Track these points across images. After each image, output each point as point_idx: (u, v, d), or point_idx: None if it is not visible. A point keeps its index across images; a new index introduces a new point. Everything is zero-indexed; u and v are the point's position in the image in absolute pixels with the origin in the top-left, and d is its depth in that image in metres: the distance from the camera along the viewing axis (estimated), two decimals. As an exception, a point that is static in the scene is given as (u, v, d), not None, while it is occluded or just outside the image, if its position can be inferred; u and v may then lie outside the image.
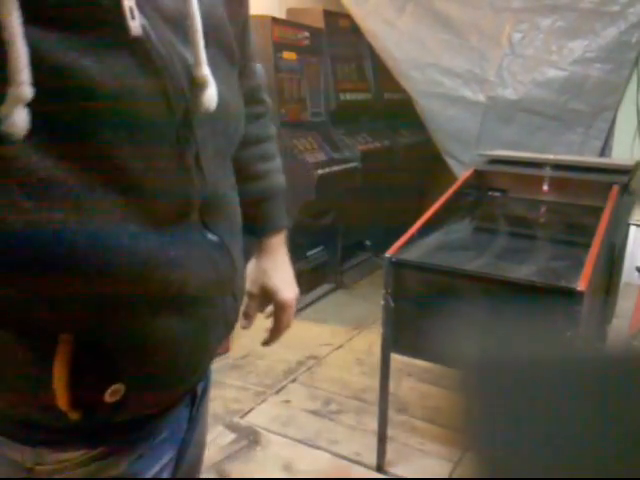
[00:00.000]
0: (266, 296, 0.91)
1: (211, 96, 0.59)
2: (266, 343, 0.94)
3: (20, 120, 0.47)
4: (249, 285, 0.87)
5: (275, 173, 0.90)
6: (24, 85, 0.46)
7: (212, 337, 0.71)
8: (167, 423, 0.73)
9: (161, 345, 0.62)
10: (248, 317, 0.92)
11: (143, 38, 0.52)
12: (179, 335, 0.64)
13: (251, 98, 0.85)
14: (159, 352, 0.62)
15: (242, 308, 0.85)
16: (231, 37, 0.67)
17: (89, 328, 0.58)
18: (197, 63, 0.58)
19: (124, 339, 0.60)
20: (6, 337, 0.58)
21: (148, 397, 0.65)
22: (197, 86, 0.58)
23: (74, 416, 0.61)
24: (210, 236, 0.66)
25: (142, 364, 0.62)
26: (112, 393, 0.60)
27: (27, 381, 0.60)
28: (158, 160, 0.57)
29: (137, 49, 0.52)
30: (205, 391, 0.83)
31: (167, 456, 0.74)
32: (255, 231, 0.87)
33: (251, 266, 0.89)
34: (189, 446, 0.79)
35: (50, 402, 0.59)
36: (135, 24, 0.51)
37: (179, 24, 0.56)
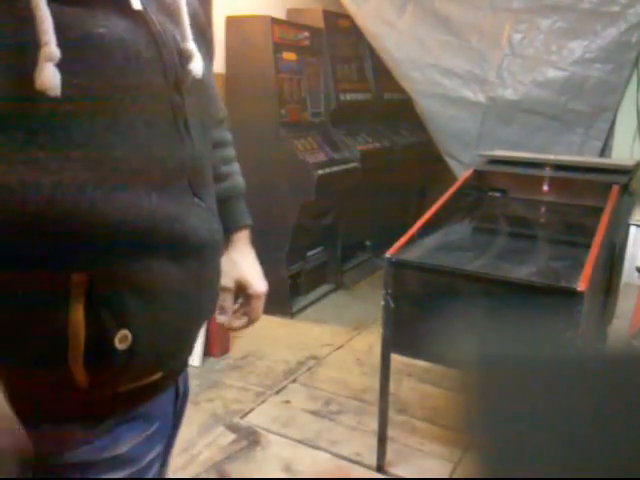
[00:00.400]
0: (239, 289, 0.96)
1: (197, 66, 0.69)
2: (232, 329, 0.99)
3: (53, 78, 0.54)
4: (222, 279, 0.89)
5: (237, 174, 0.98)
6: (52, 45, 0.54)
7: (203, 298, 0.77)
8: (157, 416, 0.78)
9: (163, 292, 0.68)
10: (224, 310, 0.96)
11: (142, 12, 0.63)
12: (178, 284, 0.70)
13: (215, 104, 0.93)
14: (161, 298, 0.68)
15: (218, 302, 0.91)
16: (211, 35, 0.78)
17: (101, 271, 0.64)
18: (184, 39, 0.69)
19: (132, 283, 0.65)
20: (24, 279, 0.62)
21: (152, 352, 0.70)
22: (185, 58, 0.68)
23: (83, 381, 0.65)
24: (197, 200, 0.73)
25: (147, 310, 0.67)
26: (121, 339, 0.65)
27: (43, 329, 0.63)
28: (158, 122, 0.65)
29: (138, 20, 0.63)
30: (186, 396, 0.87)
31: (158, 448, 0.79)
32: (223, 229, 0.92)
33: (221, 261, 0.93)
34: (174, 442, 0.85)
35: (62, 356, 0.63)
36: (136, 1, 0.62)
37: (167, 8, 0.68)
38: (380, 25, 3.22)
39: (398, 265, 1.87)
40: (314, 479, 2.05)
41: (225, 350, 2.95)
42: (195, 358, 2.81)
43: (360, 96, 3.82)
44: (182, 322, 0.74)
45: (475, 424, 0.38)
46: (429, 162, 3.78)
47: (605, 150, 2.87)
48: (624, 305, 2.04)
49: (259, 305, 0.97)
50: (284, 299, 3.41)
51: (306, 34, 3.44)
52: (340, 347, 3.07)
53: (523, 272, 1.78)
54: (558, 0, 2.86)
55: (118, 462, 0.73)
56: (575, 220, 2.28)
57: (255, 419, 2.40)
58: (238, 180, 0.97)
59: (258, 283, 0.96)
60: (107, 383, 0.69)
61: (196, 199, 0.73)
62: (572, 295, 1.57)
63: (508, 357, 0.39)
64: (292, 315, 3.42)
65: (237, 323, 0.97)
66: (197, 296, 0.75)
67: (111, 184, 0.61)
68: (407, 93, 3.22)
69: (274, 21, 3.20)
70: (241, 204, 0.97)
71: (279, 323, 3.33)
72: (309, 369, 2.83)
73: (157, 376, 0.75)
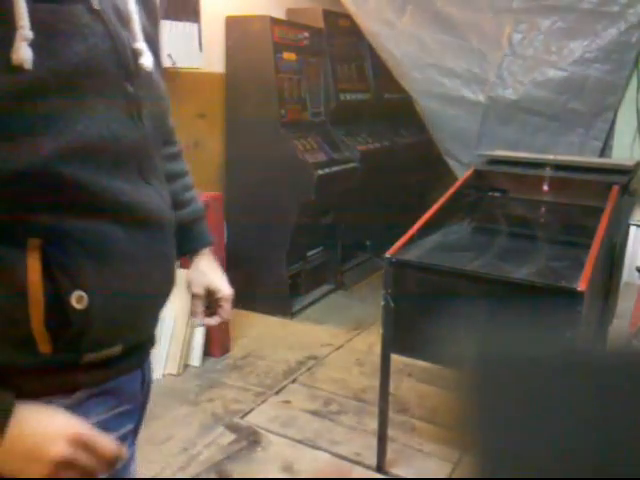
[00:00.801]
0: (208, 294, 1.08)
1: (147, 60, 0.81)
2: (206, 325, 1.11)
3: (26, 54, 0.65)
4: (194, 288, 1.05)
5: (198, 199, 1.10)
6: (26, 29, 0.65)
7: (155, 274, 0.84)
8: (125, 397, 0.86)
9: (113, 256, 0.76)
10: (197, 314, 1.08)
11: (100, 11, 0.74)
12: (127, 251, 0.78)
13: (171, 138, 1.06)
14: (112, 263, 0.76)
15: (191, 307, 1.07)
16: (158, 45, 0.91)
17: (54, 233, 0.71)
18: (134, 40, 0.80)
19: (83, 245, 0.73)
20: None
21: (108, 318, 0.76)
22: (135, 55, 0.80)
23: (46, 345, 0.72)
24: (146, 184, 0.82)
25: (99, 273, 0.74)
26: (78, 299, 0.72)
27: (4, 291, 0.70)
28: (114, 107, 0.76)
29: (97, 18, 0.74)
30: (149, 385, 0.95)
31: (128, 426, 0.88)
32: (189, 247, 1.07)
33: (190, 273, 1.07)
34: (141, 424, 0.94)
35: (25, 318, 0.70)
36: (95, 2, 0.74)
37: (121, 14, 0.79)
38: (380, 25, 3.22)
39: (398, 265, 1.87)
40: (314, 479, 2.05)
41: (225, 350, 2.95)
42: (195, 358, 2.81)
43: (360, 96, 3.82)
44: (135, 292, 0.80)
45: (474, 424, 0.38)
46: (429, 162, 3.78)
47: (605, 150, 2.87)
48: (624, 305, 2.04)
49: (229, 306, 1.09)
50: (284, 299, 3.41)
51: (306, 34, 3.44)
52: (340, 347, 3.07)
53: (523, 272, 1.78)
54: (558, 0, 2.86)
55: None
56: (575, 220, 2.27)
57: (255, 419, 2.40)
58: (199, 204, 1.10)
59: (225, 288, 1.08)
60: (70, 348, 0.74)
61: (145, 182, 0.82)
62: (572, 295, 1.57)
63: (507, 357, 0.39)
64: (292, 315, 3.42)
65: (210, 321, 1.09)
66: (148, 268, 0.82)
67: (72, 154, 0.70)
68: (407, 93, 3.22)
69: (274, 21, 3.20)
70: (204, 225, 1.10)
71: (279, 323, 3.33)
72: (309, 369, 2.83)
73: (118, 349, 0.81)
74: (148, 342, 0.92)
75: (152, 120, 0.83)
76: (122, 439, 0.84)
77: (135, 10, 0.82)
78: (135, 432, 0.92)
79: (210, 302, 1.08)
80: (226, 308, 1.08)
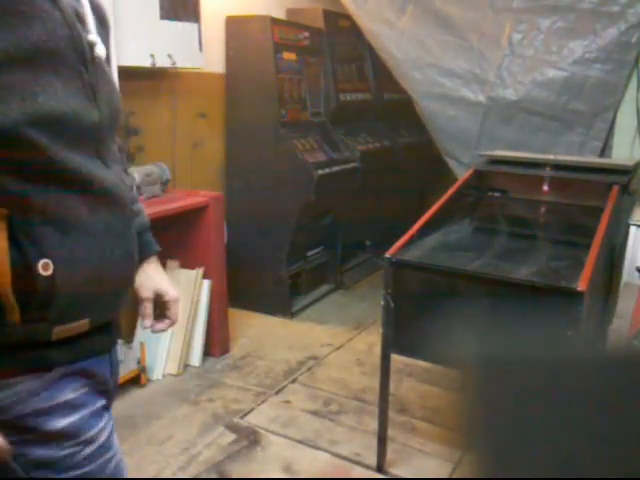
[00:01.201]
0: (157, 297, 1.12)
1: (101, 50, 0.89)
2: (157, 331, 1.15)
3: None
4: (143, 291, 1.09)
5: (144, 212, 1.16)
6: None
7: (117, 252, 0.89)
8: (97, 378, 0.91)
9: (75, 227, 0.81)
10: (147, 316, 1.12)
11: (59, 2, 0.81)
12: (89, 223, 0.83)
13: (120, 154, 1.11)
14: (75, 234, 0.81)
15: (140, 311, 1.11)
16: (111, 55, 0.99)
17: (19, 202, 0.76)
18: (89, 32, 0.88)
19: (47, 215, 0.78)
20: None
21: (73, 288, 0.81)
22: (91, 45, 0.87)
23: (15, 313, 0.76)
24: (104, 165, 0.88)
25: (63, 242, 0.79)
26: (43, 266, 0.76)
27: None
28: (72, 87, 0.81)
29: (56, 7, 0.80)
30: (117, 373, 1.02)
31: (100, 402, 0.92)
32: (139, 256, 1.11)
33: (138, 278, 1.10)
34: (112, 405, 0.99)
35: None
36: None
37: (77, 12, 0.86)
38: (380, 25, 3.22)
39: (398, 265, 1.87)
40: (314, 479, 2.05)
41: (225, 350, 2.95)
42: (195, 358, 2.81)
43: (360, 96, 3.82)
44: (97, 266, 0.85)
45: (475, 424, 0.38)
46: (429, 162, 3.78)
47: (605, 150, 2.87)
48: (624, 305, 2.04)
49: (176, 308, 1.13)
50: (284, 299, 3.41)
51: (306, 34, 3.44)
52: (340, 347, 3.07)
53: (523, 272, 1.78)
54: (558, 0, 2.86)
55: (69, 406, 0.85)
56: (575, 220, 2.27)
57: (255, 419, 2.40)
58: (146, 216, 1.17)
59: (172, 291, 1.12)
60: (38, 318, 0.79)
61: (103, 164, 0.87)
62: (572, 295, 1.57)
63: (508, 357, 0.39)
64: (292, 315, 3.42)
65: (160, 326, 1.13)
66: (109, 244, 0.87)
67: (37, 122, 0.76)
68: (407, 93, 3.22)
69: (274, 21, 3.20)
70: (150, 235, 1.16)
71: (279, 323, 3.33)
72: (309, 369, 2.83)
73: (85, 323, 0.86)
74: (114, 327, 0.97)
75: (108, 108, 0.89)
76: (99, 413, 0.91)
77: (89, 13, 0.90)
78: (107, 409, 0.96)
79: (158, 305, 1.13)
80: (173, 310, 1.13)
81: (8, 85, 0.74)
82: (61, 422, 0.84)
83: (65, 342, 0.83)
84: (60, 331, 0.82)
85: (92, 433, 0.89)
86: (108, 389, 0.95)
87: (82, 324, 0.86)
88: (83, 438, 0.87)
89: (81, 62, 0.84)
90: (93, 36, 0.88)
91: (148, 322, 1.12)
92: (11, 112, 0.74)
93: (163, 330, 1.14)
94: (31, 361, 0.81)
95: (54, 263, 0.77)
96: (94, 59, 0.87)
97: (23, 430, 0.82)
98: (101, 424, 0.91)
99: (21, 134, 0.75)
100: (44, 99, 0.77)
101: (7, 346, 0.79)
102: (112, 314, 0.95)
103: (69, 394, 0.86)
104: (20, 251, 0.75)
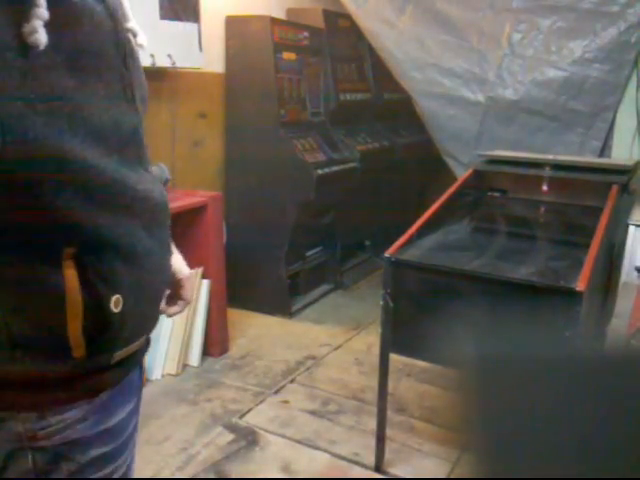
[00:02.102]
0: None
1: (142, 38, 0.82)
2: (171, 315, 1.08)
3: (42, 35, 0.63)
4: None
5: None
6: (43, 8, 0.63)
7: (166, 262, 0.87)
8: (134, 387, 0.88)
9: (140, 255, 0.77)
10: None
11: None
12: (149, 247, 0.79)
13: None
14: (140, 261, 0.77)
15: None
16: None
17: (90, 239, 0.71)
18: (126, 19, 0.79)
19: (115, 248, 0.73)
20: (17, 260, 0.68)
21: (138, 314, 0.78)
22: (131, 32, 0.80)
23: (80, 350, 0.72)
24: (143, 170, 0.82)
25: (131, 273, 0.76)
26: (115, 302, 0.73)
27: (43, 299, 0.70)
28: (112, 90, 0.74)
29: (103, 3, 0.73)
30: (143, 371, 0.97)
31: (135, 419, 0.90)
32: None
33: None
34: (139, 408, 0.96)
35: (61, 325, 0.70)
36: None
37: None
38: (380, 25, 3.22)
39: (397, 265, 1.87)
40: (313, 479, 2.05)
41: (224, 350, 2.95)
42: (194, 358, 2.81)
43: (360, 96, 3.82)
44: (158, 284, 0.84)
45: (474, 424, 0.38)
46: (428, 162, 3.78)
47: (604, 150, 2.87)
48: (623, 305, 2.03)
49: (190, 285, 1.07)
50: (283, 299, 3.41)
51: (306, 34, 3.44)
52: (339, 347, 3.07)
53: (522, 272, 1.78)
54: (558, 0, 2.86)
55: (107, 436, 0.82)
56: (574, 220, 2.27)
57: (254, 419, 2.39)
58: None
59: (185, 268, 1.07)
60: (103, 350, 0.76)
61: (145, 170, 0.82)
62: (571, 295, 1.57)
63: (507, 357, 0.39)
64: (291, 315, 3.42)
65: (175, 309, 1.06)
66: (162, 260, 0.85)
67: (84, 140, 0.69)
68: (407, 93, 3.22)
69: (274, 21, 3.20)
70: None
71: (278, 323, 3.33)
72: (308, 369, 2.83)
73: (142, 341, 0.83)
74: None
75: (142, 103, 0.83)
76: (130, 438, 0.87)
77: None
78: (137, 408, 0.93)
79: (170, 285, 1.07)
80: (188, 288, 1.07)
81: (57, 94, 0.67)
82: (101, 449, 0.81)
83: (119, 363, 0.80)
84: (119, 355, 0.79)
85: (125, 456, 0.87)
86: (140, 388, 0.93)
87: (140, 342, 0.83)
88: (118, 462, 0.85)
89: (122, 59, 0.77)
90: (133, 24, 0.80)
91: (162, 305, 1.07)
92: (60, 126, 0.67)
93: (179, 312, 1.07)
94: (87, 388, 0.78)
95: (123, 297, 0.74)
96: (133, 52, 0.80)
97: (62, 459, 0.78)
98: (131, 428, 0.88)
99: (78, 157, 0.68)
100: (88, 113, 0.70)
101: (67, 378, 0.75)
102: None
103: (114, 418, 0.82)
104: (91, 290, 0.71)
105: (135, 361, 0.86)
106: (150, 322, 0.85)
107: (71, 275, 0.70)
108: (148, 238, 0.79)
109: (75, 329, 0.71)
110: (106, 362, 0.78)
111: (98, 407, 0.79)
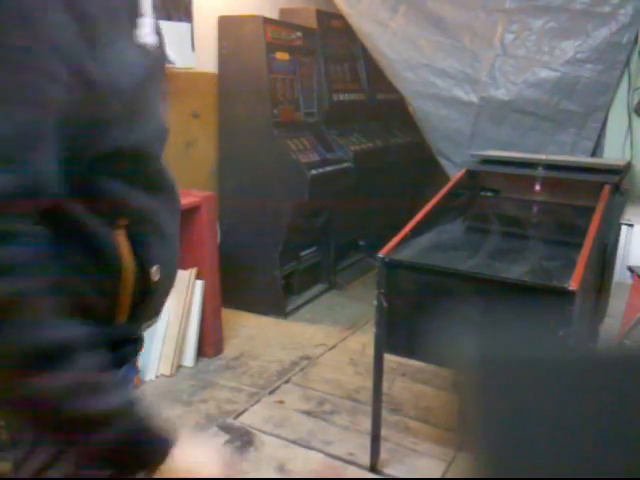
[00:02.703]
0: None
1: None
2: None
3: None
4: None
5: None
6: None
7: (179, 250, 0.92)
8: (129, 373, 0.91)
9: (166, 230, 0.84)
10: None
11: None
12: (170, 223, 0.86)
13: None
14: (165, 236, 0.84)
15: None
16: None
17: (139, 213, 0.79)
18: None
19: (151, 223, 0.81)
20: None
21: (166, 286, 0.86)
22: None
23: (124, 315, 0.78)
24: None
25: (162, 246, 0.83)
26: (155, 272, 0.80)
27: (102, 264, 0.75)
28: (160, 98, 0.81)
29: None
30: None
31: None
32: None
33: None
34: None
35: (114, 288, 0.76)
36: None
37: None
38: (373, 25, 3.23)
39: (391, 265, 1.87)
40: (308, 479, 2.05)
41: (218, 351, 2.95)
42: (188, 359, 2.81)
43: (353, 96, 3.82)
44: (175, 266, 0.90)
45: (469, 423, 0.38)
46: (422, 162, 3.79)
47: (597, 150, 2.89)
48: (616, 304, 2.05)
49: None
50: (278, 299, 3.40)
51: (299, 34, 3.44)
52: (333, 347, 3.07)
53: (516, 271, 1.79)
54: (550, 1, 2.87)
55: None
56: (567, 220, 2.29)
57: (249, 419, 2.39)
58: None
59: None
60: (138, 319, 0.82)
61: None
62: (564, 294, 1.58)
63: (501, 357, 0.39)
64: (286, 315, 3.42)
65: None
66: (178, 244, 0.91)
67: (158, 140, 0.80)
68: (400, 93, 3.23)
69: (267, 21, 3.19)
70: None
71: (272, 323, 3.33)
72: (302, 369, 2.82)
73: (157, 318, 0.89)
74: None
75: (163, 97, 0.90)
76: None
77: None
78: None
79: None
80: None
81: (143, 104, 0.76)
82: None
83: (134, 340, 0.86)
84: (145, 328, 0.86)
85: None
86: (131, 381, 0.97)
87: (152, 322, 0.90)
88: None
89: (163, 68, 0.84)
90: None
91: None
92: (145, 133, 0.76)
93: None
94: (117, 357, 0.81)
95: (161, 268, 0.82)
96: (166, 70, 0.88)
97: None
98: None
99: (150, 149, 0.79)
100: (152, 129, 0.79)
101: (104, 344, 0.78)
102: None
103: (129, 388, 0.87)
104: (138, 258, 0.79)
105: (139, 345, 0.91)
106: (163, 305, 0.90)
107: (123, 242, 0.77)
108: (172, 222, 0.87)
109: (127, 293, 0.78)
110: (136, 332, 0.84)
111: (120, 382, 0.82)
